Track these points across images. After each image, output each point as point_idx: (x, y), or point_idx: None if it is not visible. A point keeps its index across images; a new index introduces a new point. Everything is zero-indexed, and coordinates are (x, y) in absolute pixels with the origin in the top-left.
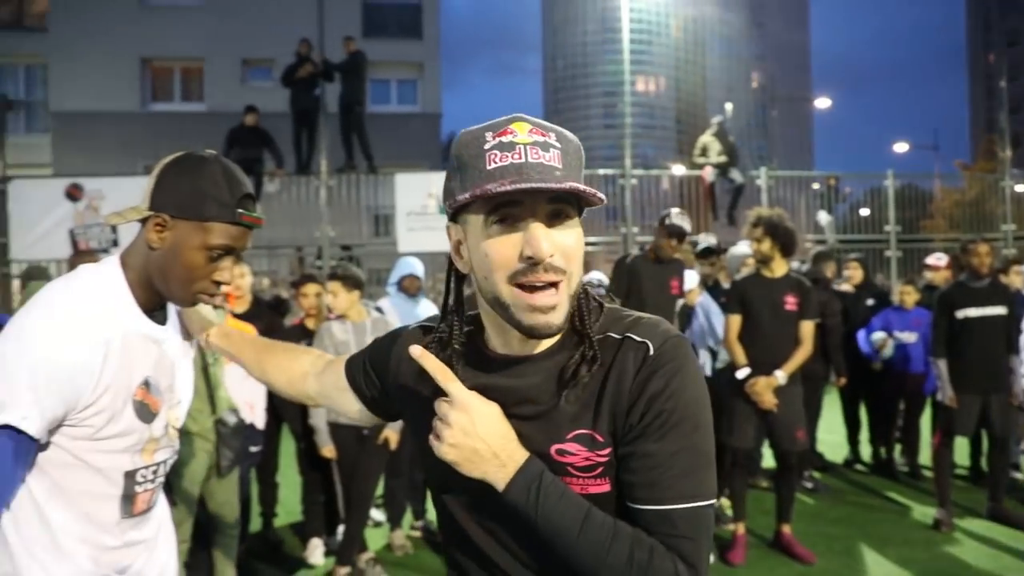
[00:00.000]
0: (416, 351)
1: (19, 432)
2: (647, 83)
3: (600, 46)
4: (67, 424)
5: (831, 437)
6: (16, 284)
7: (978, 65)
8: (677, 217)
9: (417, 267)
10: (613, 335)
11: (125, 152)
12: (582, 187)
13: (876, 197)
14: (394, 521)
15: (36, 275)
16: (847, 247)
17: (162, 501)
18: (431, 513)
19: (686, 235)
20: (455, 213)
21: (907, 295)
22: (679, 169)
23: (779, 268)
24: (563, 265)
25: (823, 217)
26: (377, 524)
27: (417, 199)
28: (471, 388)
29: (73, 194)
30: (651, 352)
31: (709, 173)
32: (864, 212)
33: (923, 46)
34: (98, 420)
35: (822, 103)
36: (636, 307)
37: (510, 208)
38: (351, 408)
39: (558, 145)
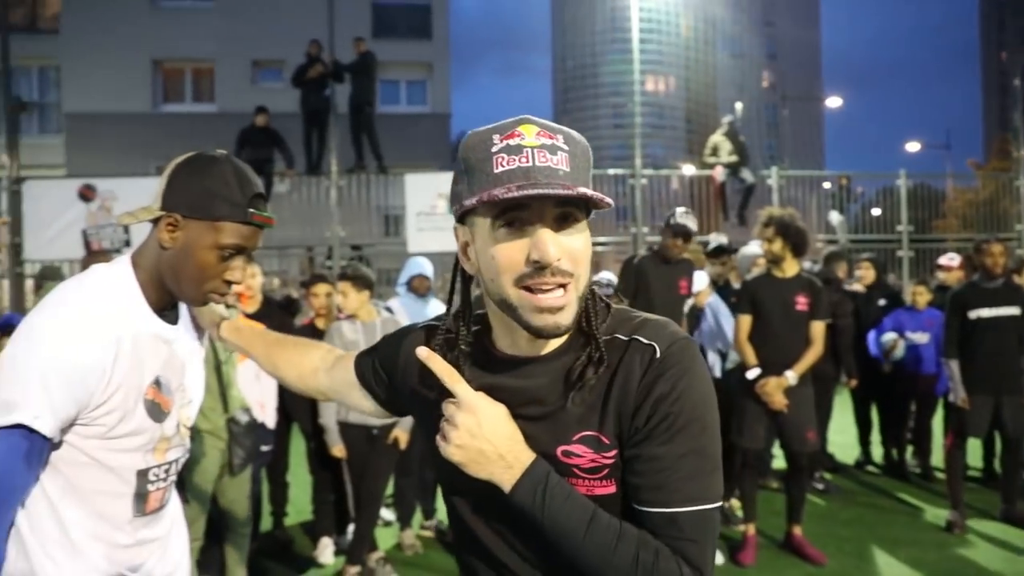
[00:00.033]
0: (423, 352)
1: (32, 431)
2: (657, 83)
3: (609, 46)
4: (79, 423)
5: (842, 438)
6: (29, 284)
7: (991, 63)
8: (682, 217)
9: (427, 267)
10: (620, 337)
11: (137, 153)
12: (589, 193)
13: (888, 197)
14: (404, 520)
15: (50, 276)
16: (859, 247)
17: (175, 499)
18: (441, 513)
19: (691, 235)
20: (462, 215)
21: (919, 295)
22: (689, 169)
23: (790, 268)
24: (570, 269)
25: (834, 217)
26: (387, 523)
27: (427, 199)
28: (478, 388)
29: (86, 195)
30: (658, 354)
31: (719, 173)
32: (876, 212)
33: (935, 44)
34: (110, 419)
35: (833, 102)
36: (644, 307)
37: (517, 212)
38: (363, 403)
39: (566, 148)
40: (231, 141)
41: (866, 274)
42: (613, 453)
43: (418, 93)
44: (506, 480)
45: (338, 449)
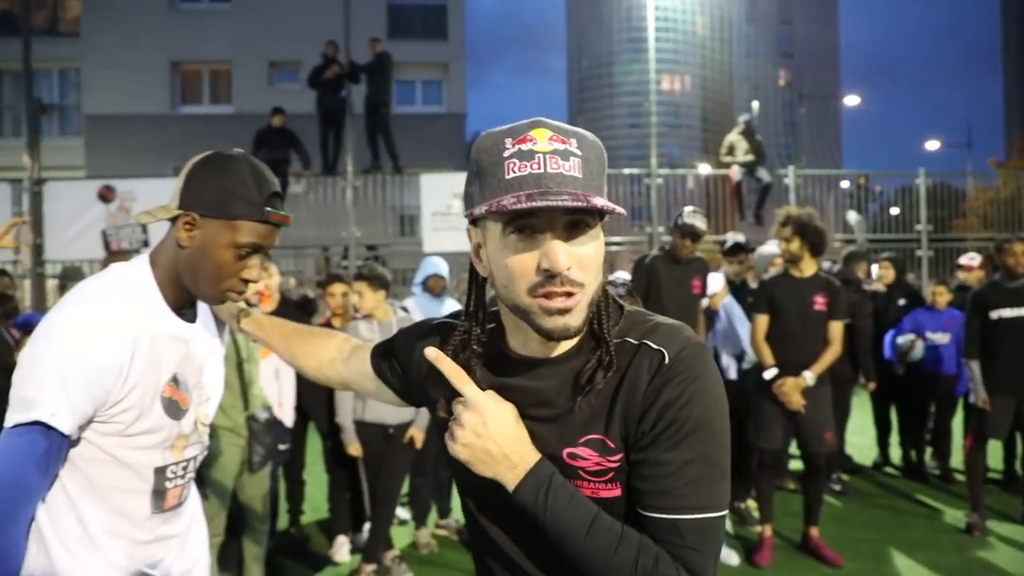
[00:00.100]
0: (431, 353)
1: (50, 428)
2: (672, 82)
3: (625, 45)
4: (97, 420)
5: (860, 439)
6: (50, 284)
7: (1013, 61)
8: (689, 216)
9: (442, 267)
10: (631, 340)
11: (156, 154)
12: (598, 204)
13: (907, 196)
14: (419, 519)
15: (72, 276)
16: (877, 246)
17: (194, 496)
18: (456, 512)
19: (700, 235)
20: (474, 218)
21: (939, 295)
22: (705, 168)
23: (808, 268)
24: (580, 279)
25: (852, 216)
26: (402, 522)
27: (442, 199)
28: (490, 387)
29: (105, 195)
30: (666, 360)
31: (736, 172)
32: (894, 211)
33: (956, 42)
34: (127, 417)
35: (851, 100)
36: (655, 307)
37: (528, 219)
38: (380, 394)
39: (579, 152)
40: (248, 142)
41: (886, 273)
42: (619, 457)
43: (434, 93)
44: (510, 480)
45: (354, 448)
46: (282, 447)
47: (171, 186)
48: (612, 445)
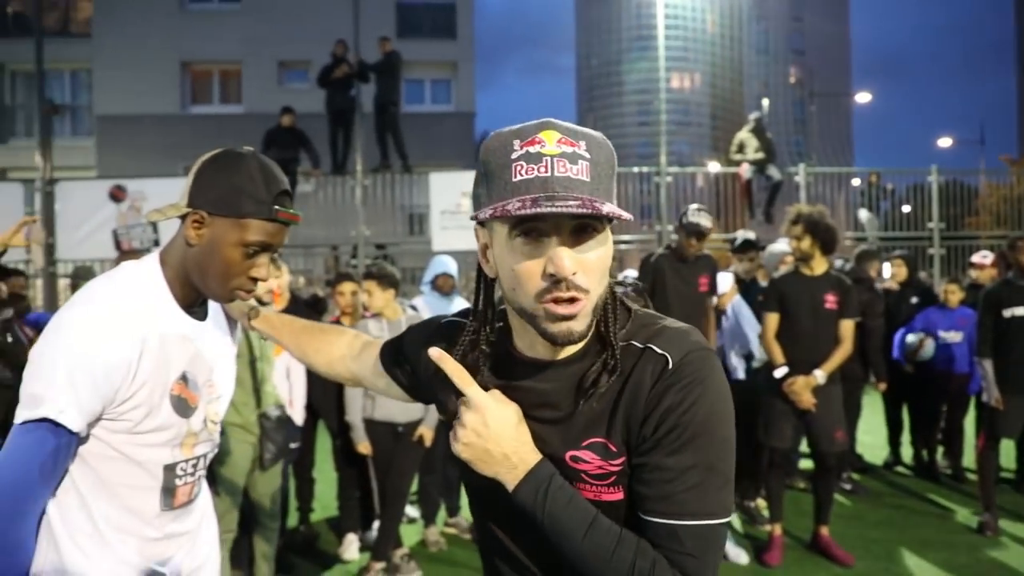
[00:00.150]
0: (435, 353)
1: (58, 425)
2: (682, 79)
3: (634, 43)
4: (106, 418)
5: (871, 439)
6: (62, 283)
7: None
8: (694, 215)
9: (451, 266)
10: (636, 344)
11: (166, 154)
12: (604, 210)
13: (919, 193)
14: (428, 517)
15: (84, 276)
16: (888, 244)
17: (205, 494)
18: (465, 510)
19: (705, 233)
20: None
21: (951, 294)
22: (715, 166)
23: (819, 266)
24: (585, 284)
25: (864, 214)
26: (411, 520)
27: (451, 198)
28: (496, 387)
29: (116, 195)
30: (670, 365)
31: (746, 170)
32: (906, 209)
33: (969, 38)
34: (136, 414)
35: (862, 98)
36: (661, 305)
37: (534, 223)
38: (389, 390)
39: (587, 155)
40: (258, 141)
41: (899, 271)
42: (621, 461)
43: (442, 92)
44: (510, 480)
45: (364, 446)
46: (293, 445)
47: (182, 186)
48: (614, 449)
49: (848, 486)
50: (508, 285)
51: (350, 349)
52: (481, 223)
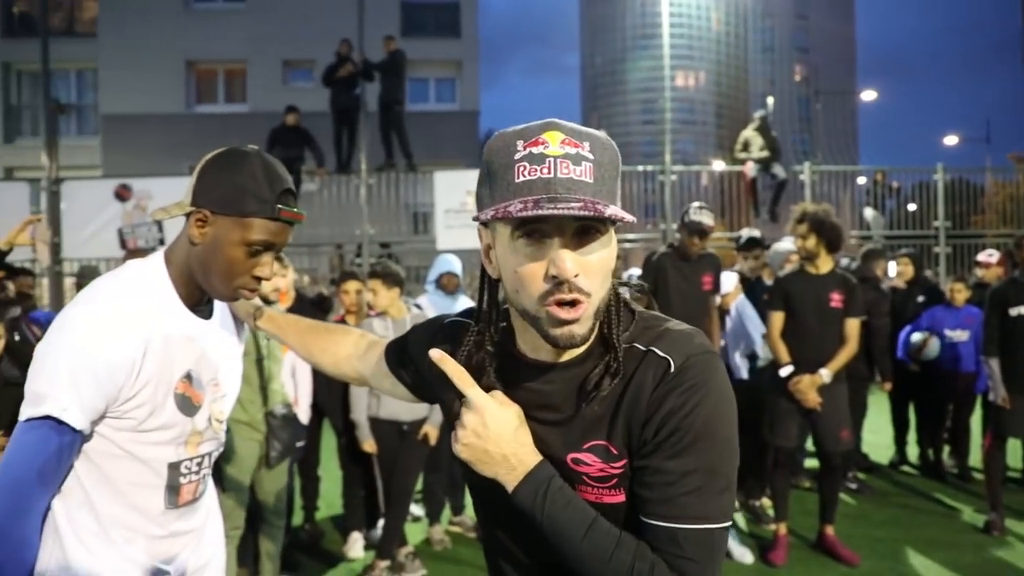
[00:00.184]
0: (436, 355)
1: (60, 423)
2: (687, 78)
3: (638, 41)
4: (110, 416)
5: (876, 438)
6: (68, 282)
7: None
8: (696, 213)
9: (455, 264)
10: (639, 346)
11: (171, 153)
12: (607, 213)
13: (925, 192)
14: (433, 516)
15: (89, 275)
16: (894, 243)
17: (210, 492)
18: (470, 509)
19: (706, 231)
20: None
21: (957, 292)
22: (719, 165)
23: (824, 265)
24: (587, 287)
25: (869, 213)
26: (416, 519)
27: (455, 197)
28: (499, 388)
29: (122, 194)
30: (672, 369)
31: (751, 168)
32: (912, 207)
33: (975, 35)
34: (140, 413)
35: (868, 96)
36: (663, 304)
37: (537, 224)
38: (394, 390)
39: (591, 156)
40: (263, 140)
41: (905, 270)
42: (622, 463)
43: (447, 91)
44: (509, 481)
45: (368, 444)
46: (299, 444)
47: (186, 185)
48: (615, 451)
49: (854, 485)
50: (511, 287)
51: (356, 349)
52: (484, 224)
